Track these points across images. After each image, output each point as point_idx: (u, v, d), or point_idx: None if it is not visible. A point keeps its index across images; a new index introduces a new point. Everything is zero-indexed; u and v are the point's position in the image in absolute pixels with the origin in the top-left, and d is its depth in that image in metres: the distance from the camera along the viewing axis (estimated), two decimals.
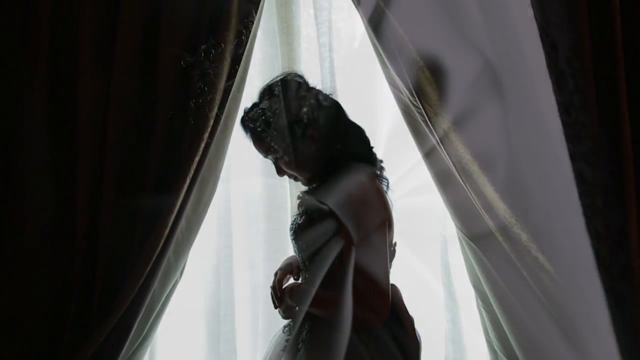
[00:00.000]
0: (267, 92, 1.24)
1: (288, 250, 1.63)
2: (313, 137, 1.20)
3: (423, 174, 1.45)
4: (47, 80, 1.34)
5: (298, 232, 1.22)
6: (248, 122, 1.24)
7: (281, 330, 1.31)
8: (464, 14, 1.27)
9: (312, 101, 1.20)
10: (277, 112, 1.19)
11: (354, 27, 1.61)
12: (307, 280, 1.21)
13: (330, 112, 1.23)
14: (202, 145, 1.31)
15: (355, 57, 1.61)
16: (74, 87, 1.33)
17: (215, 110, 1.32)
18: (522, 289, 1.28)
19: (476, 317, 1.55)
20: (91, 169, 1.31)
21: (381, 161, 1.29)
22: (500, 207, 1.25)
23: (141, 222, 1.29)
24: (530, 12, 1.22)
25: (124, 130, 1.32)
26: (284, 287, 1.27)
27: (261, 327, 1.68)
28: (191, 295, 1.62)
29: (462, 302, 1.61)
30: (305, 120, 1.19)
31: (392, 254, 1.26)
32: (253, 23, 1.36)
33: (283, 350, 1.24)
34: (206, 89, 1.30)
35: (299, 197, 1.31)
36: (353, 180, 1.15)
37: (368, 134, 1.27)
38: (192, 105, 1.30)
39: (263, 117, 1.19)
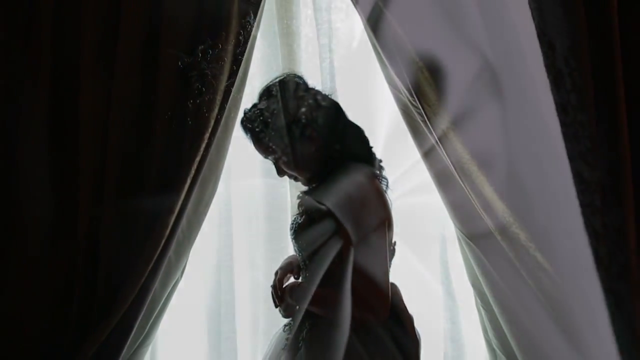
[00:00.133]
0: (266, 92, 1.25)
1: (288, 249, 1.64)
2: (312, 138, 1.21)
3: (422, 174, 1.46)
4: (48, 80, 1.35)
5: (298, 231, 1.22)
6: (247, 123, 1.25)
7: (281, 329, 1.32)
8: (463, 14, 1.27)
9: (311, 101, 1.20)
10: (275, 112, 1.19)
11: (352, 27, 1.61)
12: (308, 280, 1.22)
13: (329, 112, 1.23)
14: (203, 145, 1.31)
15: (353, 58, 1.61)
16: (75, 87, 1.34)
17: (216, 110, 1.33)
18: (520, 288, 1.28)
19: (475, 316, 1.55)
20: (92, 169, 1.31)
21: (380, 161, 1.30)
22: (499, 206, 1.25)
23: (142, 221, 1.29)
24: (528, 12, 1.23)
25: (125, 130, 1.33)
26: (284, 286, 1.28)
27: (262, 326, 1.68)
28: (192, 295, 1.63)
29: (461, 301, 1.61)
30: (303, 121, 1.19)
31: (392, 253, 1.26)
32: (251, 24, 1.37)
33: (283, 348, 1.25)
34: (204, 89, 1.30)
35: (298, 197, 1.31)
36: (352, 180, 1.16)
37: (367, 134, 1.28)
38: (192, 105, 1.30)
39: (261, 118, 1.20)
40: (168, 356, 1.64)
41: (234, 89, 1.36)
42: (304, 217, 1.23)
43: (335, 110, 1.25)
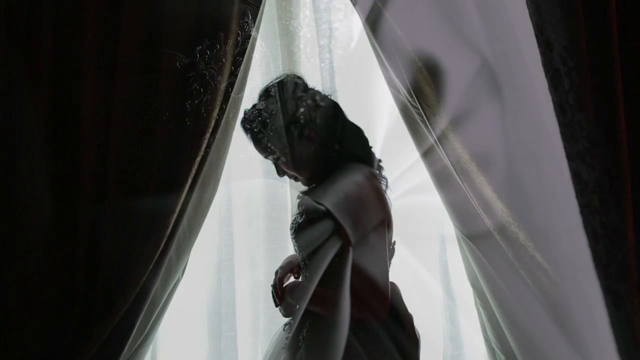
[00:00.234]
0: (265, 93, 1.25)
1: (288, 249, 1.64)
2: (311, 138, 1.21)
3: (421, 174, 1.46)
4: (48, 80, 1.35)
5: (298, 231, 1.23)
6: (247, 123, 1.25)
7: (282, 328, 1.32)
8: (462, 14, 1.27)
9: (310, 102, 1.21)
10: (273, 113, 1.20)
11: (350, 27, 1.62)
12: (307, 279, 1.23)
13: (328, 112, 1.23)
14: (204, 146, 1.32)
15: (352, 58, 1.62)
16: (75, 87, 1.34)
17: (216, 111, 1.33)
18: (519, 288, 1.28)
19: (474, 316, 1.55)
20: (92, 169, 1.32)
21: (380, 161, 1.30)
22: (498, 206, 1.26)
23: (143, 221, 1.29)
24: (526, 12, 1.23)
25: (125, 131, 1.33)
26: (284, 285, 1.28)
27: (262, 325, 1.69)
28: (193, 294, 1.63)
29: (460, 300, 1.62)
30: (302, 121, 1.20)
31: (391, 253, 1.27)
32: (250, 24, 1.37)
33: (284, 348, 1.25)
34: (202, 90, 1.31)
35: (298, 197, 1.32)
36: (351, 180, 1.16)
37: (366, 134, 1.28)
38: (193, 106, 1.31)
39: (260, 118, 1.21)
40: (168, 356, 1.64)
41: (233, 90, 1.36)
42: (303, 217, 1.23)
43: (334, 110, 1.26)
